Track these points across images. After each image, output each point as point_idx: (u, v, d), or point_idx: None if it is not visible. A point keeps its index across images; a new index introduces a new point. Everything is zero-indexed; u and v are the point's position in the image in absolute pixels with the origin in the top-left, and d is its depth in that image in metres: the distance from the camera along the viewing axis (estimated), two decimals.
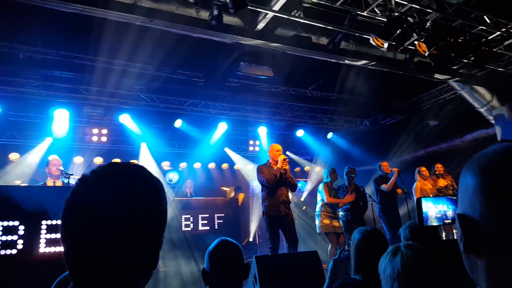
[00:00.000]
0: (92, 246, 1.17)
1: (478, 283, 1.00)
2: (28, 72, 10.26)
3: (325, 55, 8.64)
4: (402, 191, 10.04)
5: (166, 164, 15.28)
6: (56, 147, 12.36)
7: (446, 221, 4.29)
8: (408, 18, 7.72)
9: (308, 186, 16.26)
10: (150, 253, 1.27)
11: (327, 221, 9.58)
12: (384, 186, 10.11)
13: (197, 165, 16.02)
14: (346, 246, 9.24)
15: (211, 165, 16.47)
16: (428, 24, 7.88)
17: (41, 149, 12.45)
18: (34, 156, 12.39)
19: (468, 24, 8.42)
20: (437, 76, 10.05)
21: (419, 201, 4.21)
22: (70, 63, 10.17)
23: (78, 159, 13.47)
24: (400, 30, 7.67)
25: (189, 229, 10.55)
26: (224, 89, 12.11)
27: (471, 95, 11.00)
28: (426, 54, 8.05)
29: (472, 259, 1.00)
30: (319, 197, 9.92)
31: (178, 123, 13.79)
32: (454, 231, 9.09)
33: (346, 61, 9.12)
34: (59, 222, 1.24)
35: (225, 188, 15.08)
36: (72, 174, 8.03)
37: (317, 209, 9.88)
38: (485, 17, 8.37)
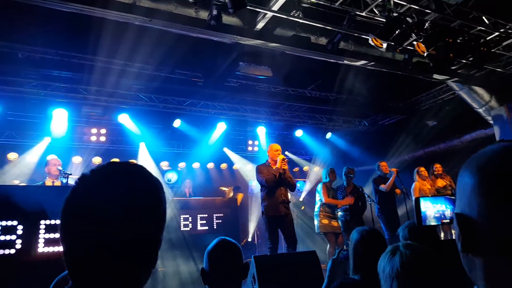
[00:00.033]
0: (92, 245, 1.18)
1: (476, 281, 1.00)
2: (27, 72, 10.24)
3: (324, 55, 8.64)
4: (400, 191, 10.06)
5: (165, 164, 15.29)
6: (54, 146, 12.35)
7: (444, 221, 4.29)
8: (407, 19, 7.73)
9: (307, 186, 16.27)
10: (149, 252, 1.28)
11: (325, 221, 9.58)
12: (382, 187, 10.12)
13: (196, 165, 16.03)
14: (344, 246, 9.24)
15: (210, 165, 16.48)
16: (426, 24, 7.89)
17: (40, 148, 12.45)
18: (32, 156, 12.38)
19: (467, 25, 8.43)
20: (435, 76, 10.06)
21: (417, 201, 4.22)
22: (69, 63, 10.17)
23: (77, 159, 13.46)
24: (399, 30, 7.68)
25: (188, 229, 10.56)
26: (223, 89, 12.11)
27: (470, 95, 11.01)
28: (425, 54, 8.06)
29: (470, 258, 1.01)
30: (317, 197, 9.92)
31: (177, 123, 13.78)
32: (453, 231, 9.11)
33: (345, 61, 9.13)
34: (57, 221, 1.24)
35: (224, 188, 15.07)
36: (70, 174, 8.03)
37: (316, 209, 9.88)
38: (483, 17, 8.38)
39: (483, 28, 8.51)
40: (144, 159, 14.11)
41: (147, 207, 1.28)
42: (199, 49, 9.58)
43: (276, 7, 7.14)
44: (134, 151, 14.21)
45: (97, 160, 13.53)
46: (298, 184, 15.07)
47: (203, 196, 13.10)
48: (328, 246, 9.55)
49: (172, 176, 15.17)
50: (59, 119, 11.88)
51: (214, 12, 6.68)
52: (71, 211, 1.23)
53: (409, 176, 10.63)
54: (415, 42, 7.94)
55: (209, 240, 3.01)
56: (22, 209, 5.93)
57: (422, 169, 10.41)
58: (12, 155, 12.50)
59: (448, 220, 4.19)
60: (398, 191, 10.16)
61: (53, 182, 8.29)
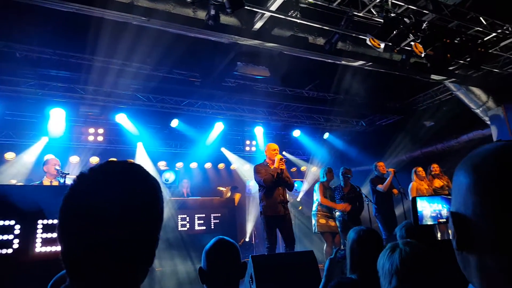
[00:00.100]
0: (90, 244, 1.18)
1: (470, 279, 1.01)
2: (24, 71, 10.23)
3: (321, 55, 8.65)
4: (398, 191, 10.07)
5: (162, 164, 15.29)
6: (52, 146, 12.34)
7: (440, 220, 4.32)
8: (405, 19, 7.74)
9: (305, 186, 16.26)
10: (147, 251, 1.28)
11: (323, 221, 9.59)
12: (380, 187, 10.13)
13: (194, 165, 16.03)
14: (342, 246, 9.25)
15: (208, 165, 16.49)
16: (424, 25, 7.91)
17: (37, 148, 12.43)
18: (30, 156, 12.36)
19: (464, 25, 8.44)
20: (433, 77, 10.08)
21: (414, 200, 4.24)
22: (66, 62, 10.16)
23: (74, 159, 13.45)
24: (396, 31, 7.70)
25: (186, 229, 10.54)
26: (221, 89, 12.11)
27: (467, 96, 11.03)
28: (422, 55, 8.08)
29: (464, 256, 1.02)
30: (315, 197, 9.93)
31: (174, 122, 13.78)
32: (450, 231, 9.15)
33: (343, 62, 9.14)
34: (55, 221, 1.24)
35: (221, 188, 15.08)
36: (68, 174, 8.03)
37: (314, 208, 9.89)
38: (481, 18, 8.40)
39: (480, 29, 8.52)
40: (142, 159, 14.09)
41: (144, 206, 1.28)
42: (197, 49, 9.59)
43: (274, 7, 7.14)
44: (132, 151, 14.20)
45: (94, 160, 13.51)
46: (295, 184, 15.09)
47: (200, 196, 13.09)
48: (325, 245, 9.56)
49: (170, 176, 15.17)
50: (57, 119, 11.86)
51: (212, 12, 6.68)
52: (69, 210, 1.23)
53: (406, 176, 10.64)
54: (412, 43, 7.96)
55: (207, 240, 3.01)
56: (20, 209, 5.93)
57: (420, 169, 10.42)
58: (9, 155, 12.48)
59: (444, 220, 4.21)
60: (395, 191, 10.18)
61: (51, 181, 8.29)
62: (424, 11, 7.84)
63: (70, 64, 10.25)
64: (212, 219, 11.02)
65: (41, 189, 7.85)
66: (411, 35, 7.89)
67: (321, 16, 7.87)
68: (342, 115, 15.12)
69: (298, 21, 7.71)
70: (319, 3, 7.48)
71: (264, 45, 8.16)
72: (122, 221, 1.21)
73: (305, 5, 7.66)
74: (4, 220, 5.89)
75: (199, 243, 9.64)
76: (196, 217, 10.81)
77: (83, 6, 6.35)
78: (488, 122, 11.10)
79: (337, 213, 9.78)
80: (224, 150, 16.23)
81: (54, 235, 5.67)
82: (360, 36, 8.21)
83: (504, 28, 8.69)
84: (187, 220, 10.63)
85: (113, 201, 1.22)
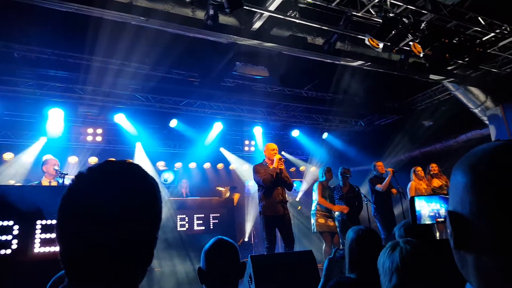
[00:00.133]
0: (88, 244, 1.18)
1: (468, 278, 1.02)
2: (22, 71, 10.23)
3: (320, 55, 8.66)
4: (397, 191, 10.07)
5: (161, 164, 15.28)
6: (50, 146, 12.33)
7: (438, 220, 4.31)
8: (403, 19, 7.75)
9: (304, 186, 16.26)
10: (145, 251, 1.28)
11: (322, 220, 9.59)
12: (379, 186, 10.13)
13: (192, 165, 16.01)
14: (340, 245, 9.25)
15: (207, 165, 16.48)
16: (423, 25, 7.92)
17: (36, 148, 12.42)
18: (28, 156, 12.35)
19: (463, 25, 8.45)
20: (431, 76, 10.09)
21: (412, 200, 4.24)
22: (65, 62, 10.16)
23: (73, 159, 13.45)
24: (395, 31, 7.71)
25: (185, 229, 10.55)
26: (220, 89, 12.11)
27: (466, 95, 11.04)
28: (421, 55, 8.08)
29: (462, 255, 1.02)
30: (314, 197, 9.93)
31: (173, 123, 13.78)
32: (447, 230, 9.16)
33: (342, 62, 9.15)
34: (54, 222, 1.24)
35: (220, 188, 15.09)
36: (67, 174, 8.03)
37: (313, 208, 9.89)
38: (479, 18, 8.41)
39: (479, 29, 8.53)
40: (141, 159, 14.08)
41: (143, 205, 1.28)
42: (195, 49, 9.59)
43: (272, 7, 7.14)
44: (131, 151, 14.19)
45: (93, 160, 13.49)
46: (294, 184, 15.10)
47: (199, 196, 13.09)
48: (324, 245, 9.56)
49: (169, 176, 15.17)
50: (55, 119, 11.85)
51: (211, 12, 6.69)
52: (68, 210, 1.23)
53: (405, 176, 10.64)
54: (411, 43, 7.97)
55: (206, 240, 3.02)
56: (18, 209, 5.92)
57: (419, 168, 10.43)
58: (7, 155, 12.46)
59: (442, 219, 4.21)
60: (394, 191, 10.17)
61: (50, 182, 8.29)
62: (423, 11, 7.85)
63: (69, 64, 10.25)
64: (211, 219, 11.02)
65: (39, 189, 7.84)
66: (409, 35, 7.90)
67: (320, 16, 7.87)
68: (341, 115, 15.13)
69: (297, 21, 7.71)
70: (318, 3, 7.49)
71: (263, 45, 8.16)
72: (121, 220, 1.21)
73: (304, 5, 7.66)
74: (3, 221, 5.88)
75: (198, 243, 9.63)
76: (195, 217, 10.82)
77: (82, 6, 6.35)
78: (487, 122, 11.11)
79: (336, 213, 9.77)
80: (223, 150, 16.22)
81: (53, 235, 5.67)
82: (359, 36, 8.22)
83: (503, 28, 8.71)
84: (186, 220, 10.64)
85: (112, 200, 1.22)
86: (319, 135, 16.50)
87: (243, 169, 16.52)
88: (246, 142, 16.83)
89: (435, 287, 2.48)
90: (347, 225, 9.14)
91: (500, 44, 9.19)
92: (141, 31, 8.06)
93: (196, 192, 14.23)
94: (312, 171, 16.54)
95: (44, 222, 6.18)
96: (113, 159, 1.40)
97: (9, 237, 5.90)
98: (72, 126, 13.17)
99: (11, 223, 5.95)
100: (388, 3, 7.63)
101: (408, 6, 7.66)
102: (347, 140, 16.63)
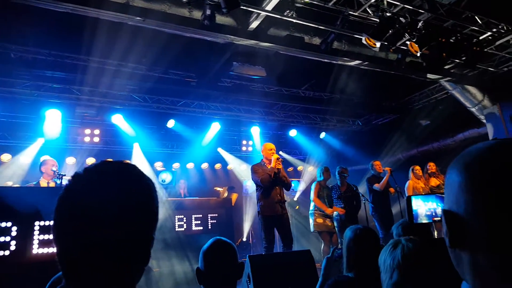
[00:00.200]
0: (85, 244, 1.18)
1: (464, 276, 1.03)
2: (19, 72, 10.21)
3: (317, 55, 8.66)
4: (394, 190, 10.07)
5: (159, 165, 15.25)
6: (48, 147, 12.32)
7: (435, 219, 4.32)
8: (400, 18, 7.76)
9: (301, 186, 16.26)
10: (142, 251, 1.28)
11: (320, 220, 9.60)
12: (376, 186, 10.14)
13: (190, 165, 15.99)
14: (339, 245, 9.26)
15: (204, 165, 16.45)
16: (420, 24, 7.92)
17: (33, 150, 12.39)
18: (26, 157, 12.33)
19: (460, 25, 8.46)
20: (429, 75, 10.09)
21: (409, 199, 4.25)
22: (62, 63, 10.14)
23: (71, 160, 13.42)
24: (392, 30, 7.71)
25: (183, 229, 10.56)
26: (217, 89, 12.11)
27: (463, 94, 11.05)
28: (418, 54, 8.09)
29: (457, 253, 1.03)
30: (311, 196, 9.95)
31: (170, 123, 13.77)
32: (443, 229, 9.17)
33: (339, 61, 9.15)
34: (52, 223, 1.24)
35: (218, 188, 15.06)
36: (64, 175, 8.02)
37: (311, 207, 9.90)
38: (476, 17, 8.42)
39: (476, 28, 8.55)
40: (138, 159, 14.07)
41: (140, 205, 1.28)
42: (192, 49, 9.58)
43: (269, 7, 7.14)
44: (128, 151, 14.17)
45: (91, 161, 13.44)
46: (292, 184, 15.11)
47: (197, 197, 13.09)
48: (323, 245, 9.58)
49: (166, 177, 15.15)
50: (52, 120, 11.83)
51: (208, 12, 6.68)
52: (65, 210, 1.23)
53: (403, 175, 10.65)
54: (408, 42, 7.98)
55: (204, 240, 3.02)
56: (16, 211, 5.92)
57: (417, 167, 10.43)
58: (5, 157, 12.44)
59: (439, 218, 4.21)
60: (392, 190, 10.18)
61: (48, 182, 8.28)
62: (420, 10, 7.87)
63: (66, 65, 10.23)
64: (209, 219, 11.04)
65: (37, 190, 7.84)
66: (406, 35, 7.90)
67: (317, 15, 7.88)
68: (338, 115, 15.12)
69: (294, 20, 7.72)
70: (314, 2, 7.49)
71: (260, 45, 8.16)
72: (117, 221, 1.21)
73: (301, 5, 7.67)
74: (1, 222, 5.88)
75: (196, 244, 9.65)
76: (193, 218, 10.83)
77: (77, 6, 6.35)
78: (484, 121, 11.13)
79: (334, 213, 9.78)
80: (220, 150, 16.21)
81: (51, 236, 5.67)
82: (356, 36, 8.23)
83: (499, 27, 8.72)
84: (184, 220, 10.65)
85: (108, 201, 1.22)
86: (317, 134, 16.49)
87: (241, 169, 16.51)
88: (244, 142, 16.83)
89: (435, 284, 2.49)
90: (345, 225, 9.13)
91: (497, 43, 9.20)
92: (138, 31, 8.05)
93: (194, 193, 14.23)
94: (310, 170, 16.56)
95: (42, 223, 6.18)
96: (110, 160, 1.41)
97: (8, 239, 5.89)
98: (69, 127, 13.14)
99: (9, 224, 5.94)
100: (385, 2, 7.64)
101: (405, 6, 7.68)
102: (345, 140, 16.64)
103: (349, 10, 7.64)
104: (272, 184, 8.04)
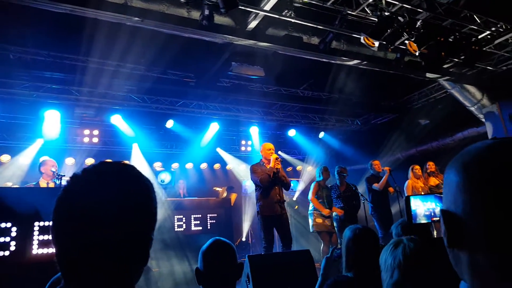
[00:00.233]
0: (84, 245, 1.18)
1: (462, 276, 1.03)
2: (18, 73, 10.20)
3: (316, 54, 8.66)
4: (394, 189, 10.07)
5: (158, 165, 15.26)
6: (47, 148, 12.34)
7: (434, 219, 4.33)
8: (399, 18, 7.76)
9: (300, 186, 16.26)
10: (141, 251, 1.28)
11: (319, 220, 9.60)
12: (376, 185, 10.13)
13: (189, 165, 16.00)
14: (338, 245, 9.26)
15: (203, 166, 16.45)
16: (418, 23, 7.92)
17: (32, 150, 12.40)
18: (25, 158, 12.34)
19: (458, 24, 8.46)
20: (427, 75, 10.09)
21: (407, 199, 4.26)
22: (60, 64, 10.14)
23: (70, 160, 13.42)
24: (390, 29, 7.71)
25: (182, 229, 10.57)
26: (216, 89, 12.10)
27: (462, 94, 11.05)
28: (417, 53, 8.08)
29: (455, 253, 1.03)
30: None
31: (169, 123, 13.77)
32: (441, 228, 9.17)
33: (337, 61, 9.15)
34: (51, 223, 1.24)
35: (217, 188, 15.06)
36: (64, 176, 8.03)
37: (310, 207, 9.90)
38: (475, 16, 8.42)
39: (474, 27, 8.54)
40: (137, 160, 14.07)
41: (138, 206, 1.29)
42: (191, 50, 9.58)
43: (268, 7, 7.14)
44: (127, 152, 14.17)
45: (90, 162, 13.44)
46: (291, 184, 15.10)
47: (196, 197, 13.09)
48: (322, 245, 9.57)
49: (166, 177, 15.16)
50: (52, 121, 11.83)
51: (206, 12, 6.68)
52: (63, 211, 1.23)
53: (402, 174, 10.65)
54: (407, 41, 7.97)
55: (203, 240, 3.02)
56: (16, 211, 5.94)
57: (417, 167, 10.42)
58: (4, 157, 12.45)
59: (438, 218, 4.22)
60: (391, 189, 10.18)
61: (47, 183, 8.29)
62: (418, 9, 7.85)
63: (65, 66, 10.23)
64: (208, 219, 11.05)
65: (37, 191, 7.84)
66: (405, 34, 7.90)
67: (315, 15, 7.87)
68: (337, 114, 15.10)
69: (292, 20, 7.72)
70: (313, 2, 7.48)
71: (258, 45, 8.15)
72: (116, 221, 1.21)
73: (299, 5, 7.66)
74: (1, 223, 5.89)
75: (195, 244, 9.65)
76: (192, 218, 10.84)
77: (76, 7, 6.34)
78: (483, 120, 11.13)
79: (334, 212, 9.78)
80: (219, 151, 16.21)
81: (50, 237, 5.67)
82: (354, 35, 8.22)
83: (498, 26, 8.72)
84: (184, 220, 10.66)
85: (107, 201, 1.22)
86: (316, 134, 16.50)
87: (240, 169, 16.52)
88: (243, 142, 16.84)
89: (435, 284, 2.49)
90: (345, 225, 9.13)
91: (496, 42, 9.19)
92: (137, 32, 8.06)
93: (193, 193, 14.23)
94: (309, 170, 16.56)
95: (41, 223, 6.19)
96: (109, 160, 1.41)
97: (7, 239, 5.90)
98: (68, 128, 13.15)
99: (9, 225, 5.96)
100: (383, 2, 7.64)
101: (404, 5, 7.67)
102: (344, 139, 16.64)
103: (348, 9, 7.64)
104: (271, 184, 8.04)
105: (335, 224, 9.72)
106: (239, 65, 9.95)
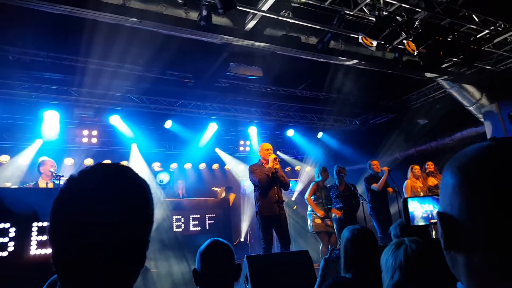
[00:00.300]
0: (80, 247, 1.18)
1: (459, 277, 1.03)
2: (17, 74, 10.20)
3: (314, 54, 8.66)
4: (392, 189, 10.06)
5: (156, 165, 15.26)
6: (46, 149, 12.33)
7: (432, 221, 4.34)
8: (397, 17, 7.75)
9: (299, 186, 16.28)
10: (137, 253, 1.28)
11: (318, 221, 9.60)
12: (374, 186, 10.11)
13: (188, 165, 16.00)
14: (337, 245, 9.25)
15: (202, 166, 16.45)
16: (416, 23, 7.91)
17: (32, 151, 12.41)
18: (24, 158, 12.34)
19: (457, 23, 8.46)
20: (426, 74, 10.09)
21: (405, 201, 4.26)
22: (59, 65, 10.14)
23: (69, 161, 13.41)
24: (388, 29, 7.71)
25: (181, 229, 10.56)
26: (214, 90, 12.10)
27: (460, 93, 11.05)
28: (415, 53, 8.09)
29: (452, 255, 1.03)
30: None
31: (168, 123, 13.76)
32: (438, 230, 9.17)
33: (336, 61, 9.15)
34: (48, 225, 1.24)
35: (216, 189, 15.07)
36: (63, 176, 8.04)
37: (309, 208, 9.90)
38: (473, 15, 8.42)
39: (473, 26, 8.54)
40: (136, 160, 14.08)
41: (135, 208, 1.28)
42: (189, 50, 9.59)
43: (266, 7, 7.13)
44: (126, 152, 14.17)
45: (89, 162, 13.46)
46: (290, 184, 15.09)
47: (195, 197, 13.09)
48: (321, 245, 9.57)
49: (164, 177, 15.17)
50: (51, 121, 11.84)
51: (204, 12, 6.69)
52: (60, 213, 1.23)
53: (400, 174, 10.65)
54: (405, 41, 7.97)
55: (202, 240, 3.02)
56: (15, 212, 5.94)
57: (416, 167, 10.39)
58: (3, 158, 12.45)
59: (435, 220, 4.22)
60: (390, 189, 10.17)
61: (46, 183, 8.28)
62: (416, 9, 7.85)
63: (63, 67, 10.23)
64: (207, 219, 11.04)
65: (36, 191, 7.83)
66: (403, 33, 7.89)
67: (313, 15, 7.87)
68: (336, 114, 15.09)
69: (290, 20, 7.72)
70: (311, 2, 7.48)
71: (256, 45, 8.15)
72: (113, 223, 1.21)
73: (297, 5, 7.66)
74: None
75: (194, 244, 9.62)
76: (191, 218, 10.83)
77: (75, 8, 6.34)
78: (482, 119, 11.13)
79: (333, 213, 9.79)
80: (218, 151, 16.21)
81: (47, 238, 5.67)
82: (353, 35, 8.22)
83: (497, 25, 8.72)
84: (182, 221, 10.65)
85: (103, 203, 1.22)
86: (314, 134, 16.51)
87: (239, 169, 16.51)
88: (241, 142, 16.83)
89: (436, 285, 2.49)
90: (344, 225, 9.14)
91: (495, 41, 9.19)
92: (135, 32, 8.05)
93: (192, 193, 14.23)
94: (308, 170, 16.56)
95: (40, 224, 6.19)
96: (107, 161, 1.41)
97: (6, 239, 5.91)
98: (67, 128, 13.14)
99: (7, 225, 5.96)
100: (381, 1, 7.64)
101: (402, 4, 7.67)
102: (342, 139, 16.64)
103: (346, 9, 7.63)
104: (270, 184, 8.03)
105: (334, 224, 9.71)
106: (237, 66, 9.94)
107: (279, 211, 8.05)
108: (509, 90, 10.59)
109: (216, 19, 7.30)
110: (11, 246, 5.92)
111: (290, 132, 16.03)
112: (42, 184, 8.28)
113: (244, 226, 14.85)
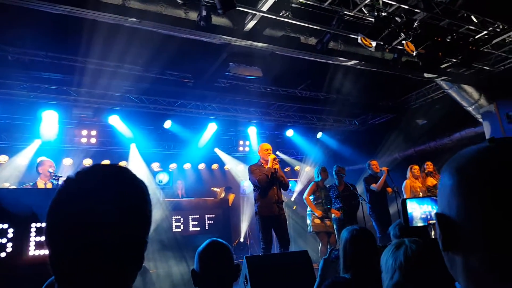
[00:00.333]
0: (78, 248, 1.17)
1: (457, 278, 1.03)
2: (16, 74, 10.18)
3: (313, 55, 8.66)
4: (392, 190, 10.07)
5: (156, 165, 15.24)
6: (45, 149, 12.30)
7: (430, 222, 4.34)
8: (396, 18, 7.76)
9: (298, 186, 16.26)
10: (135, 254, 1.28)
11: (318, 221, 9.60)
12: (374, 186, 10.12)
13: (187, 165, 15.99)
14: (337, 245, 9.25)
15: (201, 166, 16.45)
16: (415, 23, 7.92)
17: (30, 151, 12.37)
18: (23, 159, 12.31)
19: (456, 24, 8.46)
20: (425, 75, 10.10)
21: (404, 202, 4.26)
22: (58, 65, 10.13)
23: (67, 161, 13.39)
24: (387, 30, 7.71)
25: (180, 230, 10.54)
26: (214, 90, 12.09)
27: (459, 94, 11.06)
28: (414, 53, 8.09)
29: (450, 256, 1.03)
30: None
31: (167, 124, 13.75)
32: (436, 231, 9.19)
33: (335, 61, 9.15)
34: (45, 226, 1.24)
35: (215, 189, 15.06)
36: (61, 176, 8.02)
37: (308, 208, 9.89)
38: (472, 16, 8.43)
39: (471, 27, 8.55)
40: (135, 160, 14.06)
41: (133, 209, 1.28)
42: (188, 50, 9.58)
43: (265, 8, 7.13)
44: (125, 152, 14.15)
45: (87, 162, 13.44)
46: (289, 184, 15.08)
47: (194, 197, 13.08)
48: (320, 245, 9.57)
49: (164, 177, 15.15)
50: (49, 121, 11.83)
51: (204, 12, 6.68)
52: (57, 214, 1.23)
53: (399, 174, 10.65)
54: (404, 41, 7.97)
55: (201, 241, 3.01)
56: (13, 212, 5.93)
57: (416, 167, 10.39)
58: (2, 158, 12.43)
59: (434, 221, 4.23)
60: (389, 190, 10.18)
61: (45, 183, 8.27)
62: (415, 10, 7.86)
63: (62, 67, 10.22)
64: (206, 220, 11.02)
65: (34, 192, 7.83)
66: (402, 34, 7.90)
67: (313, 16, 7.87)
68: (335, 115, 15.08)
69: (290, 21, 7.71)
70: (310, 3, 7.48)
71: (256, 45, 8.15)
72: (110, 224, 1.21)
73: (297, 5, 7.67)
74: None
75: (193, 244, 9.59)
76: (190, 218, 10.82)
77: (74, 8, 6.34)
78: (481, 120, 11.14)
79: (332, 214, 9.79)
80: (217, 151, 16.18)
81: (44, 239, 5.67)
82: (352, 36, 8.23)
83: (495, 26, 8.73)
84: (181, 221, 10.64)
85: (101, 204, 1.21)
86: (314, 134, 16.50)
87: (238, 170, 16.50)
88: (241, 142, 16.80)
89: (436, 285, 2.49)
90: (344, 225, 9.14)
91: (493, 42, 9.20)
92: (134, 32, 8.05)
93: (191, 193, 14.22)
94: (307, 170, 16.56)
95: (38, 225, 6.19)
96: (103, 162, 1.41)
97: (4, 240, 5.91)
98: (66, 128, 13.12)
99: (5, 226, 5.96)
100: (381, 2, 7.64)
101: (401, 5, 7.68)
102: (342, 140, 16.63)
103: (345, 10, 7.63)
104: (269, 184, 8.04)
105: (334, 225, 9.71)
106: (237, 66, 9.94)
107: (279, 211, 8.06)
108: (507, 90, 10.59)
109: (216, 19, 7.30)
110: (9, 247, 5.92)
111: (289, 132, 16.02)
112: (40, 184, 8.28)
113: (244, 227, 14.85)
